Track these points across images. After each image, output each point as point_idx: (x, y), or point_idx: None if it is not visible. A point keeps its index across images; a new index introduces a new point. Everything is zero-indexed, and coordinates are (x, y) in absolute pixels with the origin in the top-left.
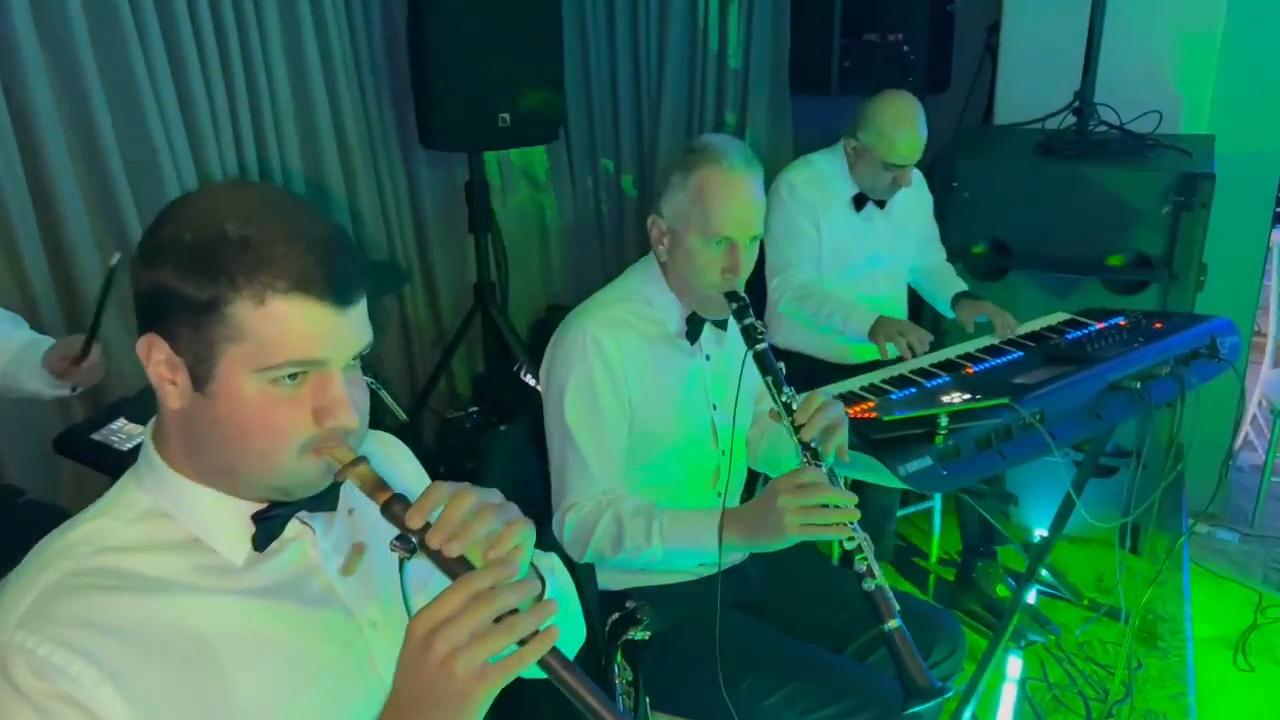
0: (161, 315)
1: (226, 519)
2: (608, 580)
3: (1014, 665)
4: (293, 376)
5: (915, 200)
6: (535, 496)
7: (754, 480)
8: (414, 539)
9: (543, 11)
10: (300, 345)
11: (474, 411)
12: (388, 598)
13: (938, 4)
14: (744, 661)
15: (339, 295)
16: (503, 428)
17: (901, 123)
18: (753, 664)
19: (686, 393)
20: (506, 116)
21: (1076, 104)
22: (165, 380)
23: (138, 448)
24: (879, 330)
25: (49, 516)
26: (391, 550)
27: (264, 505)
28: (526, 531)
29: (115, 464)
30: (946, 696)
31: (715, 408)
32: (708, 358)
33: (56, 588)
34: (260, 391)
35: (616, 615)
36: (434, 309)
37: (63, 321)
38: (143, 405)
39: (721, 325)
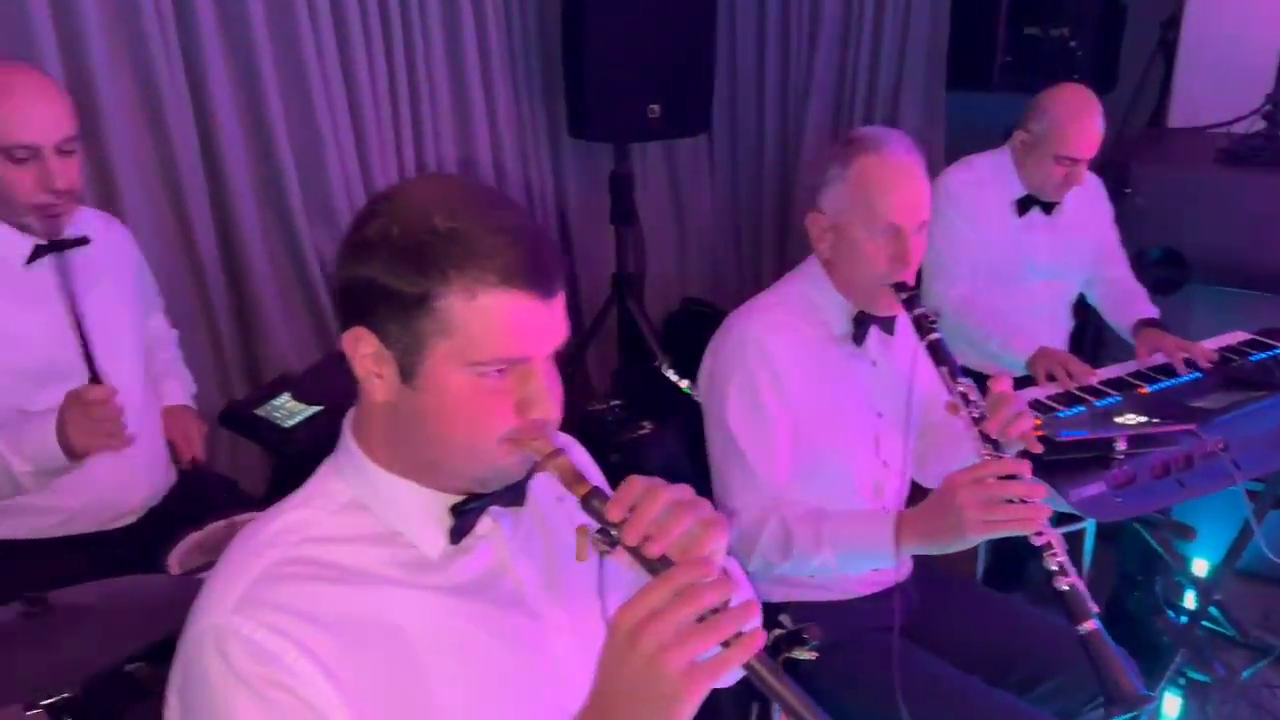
0: (369, 309)
1: (424, 511)
2: (764, 592)
3: (1172, 704)
4: (500, 370)
5: (1090, 208)
6: None
7: (917, 496)
8: (614, 533)
9: (699, 4)
10: (509, 339)
11: (615, 405)
12: (573, 601)
13: None
14: (914, 694)
15: (545, 287)
16: (646, 426)
17: (1078, 112)
18: (923, 696)
19: (850, 398)
20: (656, 108)
21: (1267, 107)
22: (372, 373)
23: (299, 424)
24: (1039, 362)
25: (222, 486)
26: (592, 544)
27: (461, 498)
28: (722, 530)
29: (275, 439)
30: (1153, 703)
31: (880, 416)
32: (874, 363)
33: (267, 575)
34: (467, 383)
35: (780, 632)
36: (574, 299)
37: (231, 308)
38: (309, 384)
39: (888, 328)
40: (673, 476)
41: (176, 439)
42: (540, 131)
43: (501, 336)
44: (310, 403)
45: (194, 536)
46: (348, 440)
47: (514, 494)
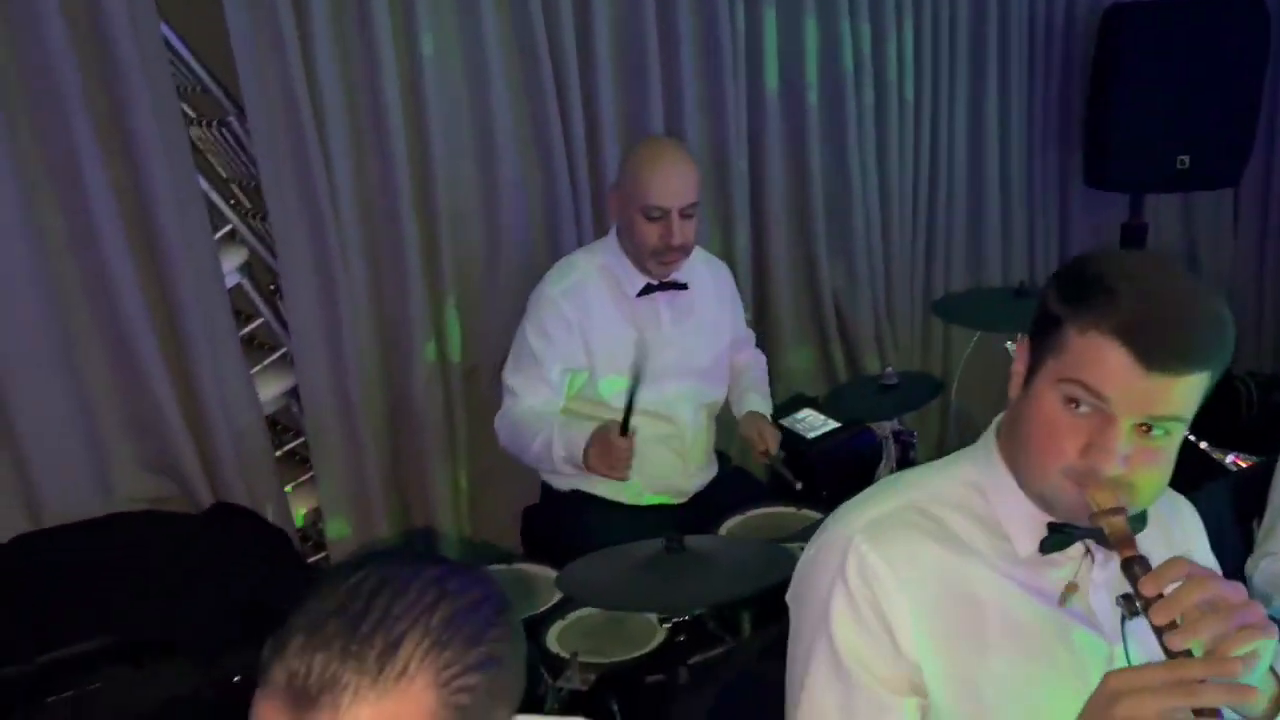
0: (1034, 321)
1: (1025, 515)
2: None
3: None
4: (1076, 404)
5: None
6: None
7: None
8: (1139, 604)
9: (1244, 56)
10: (1096, 375)
11: None
12: (1135, 649)
13: None
14: None
15: (1150, 359)
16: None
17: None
18: None
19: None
20: (1185, 159)
21: None
22: (1017, 374)
23: (820, 436)
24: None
25: (751, 482)
26: (1115, 604)
27: (1060, 522)
28: (1267, 641)
29: (800, 446)
30: None
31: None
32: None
33: (896, 514)
34: (1053, 404)
35: None
36: None
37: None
38: (830, 405)
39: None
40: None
41: (751, 437)
42: (1051, 181)
43: (1091, 369)
44: (831, 418)
45: (735, 519)
46: (990, 431)
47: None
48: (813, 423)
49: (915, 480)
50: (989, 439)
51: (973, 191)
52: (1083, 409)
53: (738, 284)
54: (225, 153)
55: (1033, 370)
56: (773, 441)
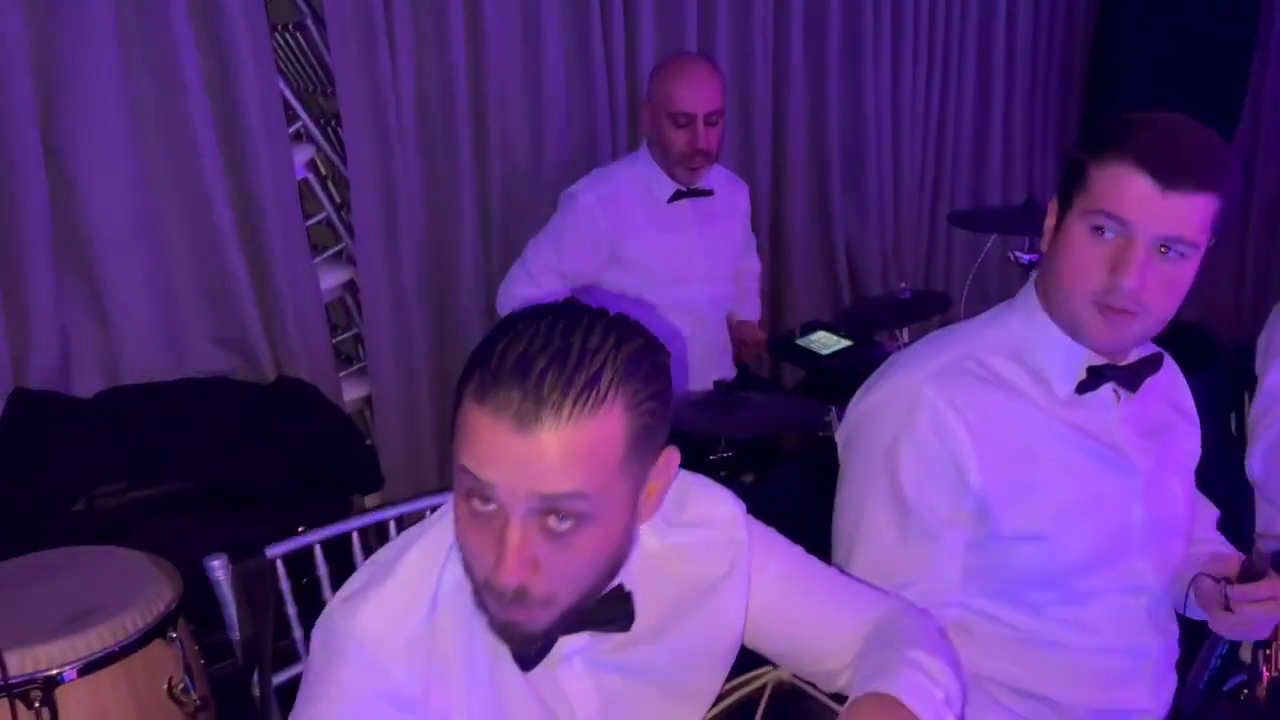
0: (1061, 180)
1: (1065, 359)
2: None
3: None
4: (1102, 231)
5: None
6: None
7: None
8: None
9: (1227, 64)
10: (1115, 200)
11: None
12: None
13: None
14: None
15: (1165, 179)
16: None
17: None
18: None
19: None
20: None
21: None
22: (1048, 229)
23: (834, 353)
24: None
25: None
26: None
27: (1100, 363)
28: None
29: (811, 364)
30: None
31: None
32: None
33: (956, 363)
34: (1081, 236)
35: None
36: None
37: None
38: (842, 325)
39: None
40: None
41: (745, 337)
42: (1051, 143)
43: (1113, 197)
44: (843, 338)
45: None
46: (1029, 283)
47: (1131, 378)
48: (826, 342)
49: (967, 333)
50: (1029, 290)
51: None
52: (1108, 235)
53: (756, 207)
54: (294, 59)
55: (1061, 219)
56: (762, 342)
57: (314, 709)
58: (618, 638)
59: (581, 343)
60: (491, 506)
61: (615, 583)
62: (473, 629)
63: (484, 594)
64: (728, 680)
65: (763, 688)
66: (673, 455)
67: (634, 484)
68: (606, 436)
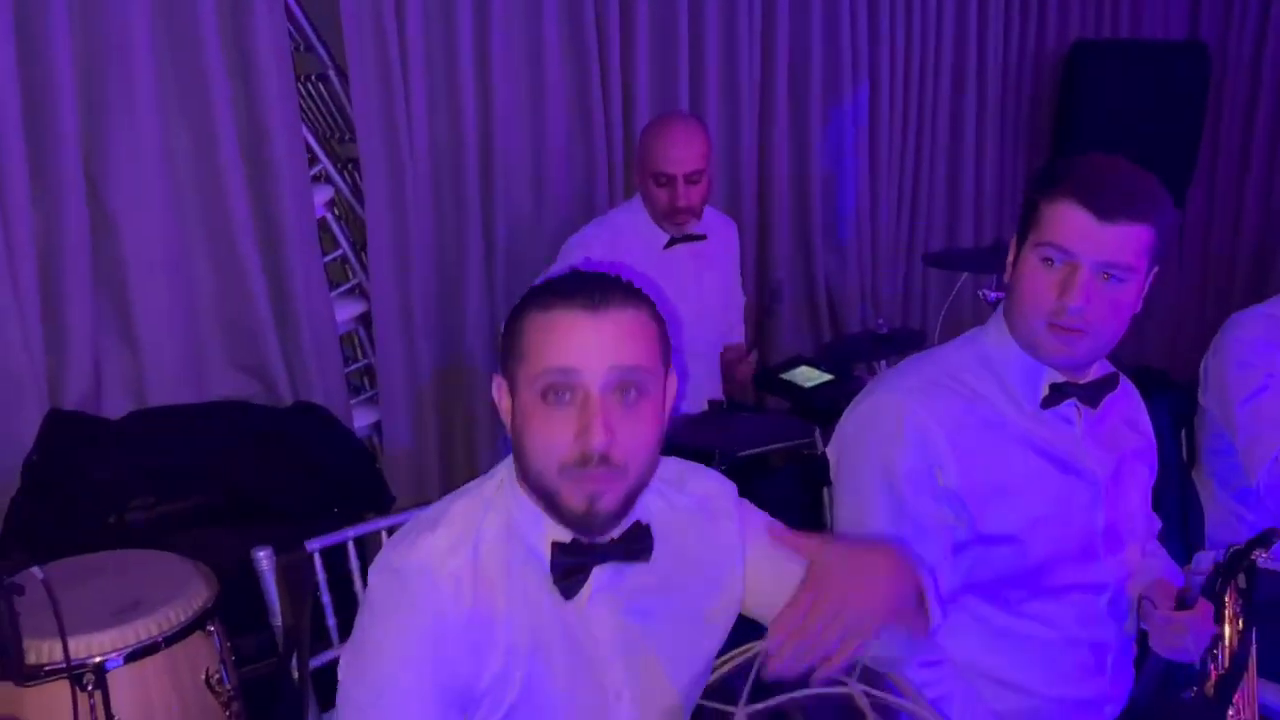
0: (1020, 221)
1: (1029, 377)
2: None
3: None
4: (1051, 262)
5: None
6: None
7: None
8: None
9: (1182, 115)
10: (1060, 233)
11: None
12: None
13: None
14: None
15: (1102, 211)
16: None
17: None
18: None
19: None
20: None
21: None
22: (1009, 263)
23: (815, 387)
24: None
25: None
26: None
27: (1060, 380)
28: None
29: (795, 396)
30: None
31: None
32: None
33: (933, 380)
34: (1034, 266)
35: None
36: None
37: (752, 306)
38: (822, 360)
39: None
40: None
41: (736, 374)
42: (1020, 182)
43: (1058, 229)
44: (824, 371)
45: None
46: (998, 311)
47: (1094, 398)
48: (808, 375)
49: (945, 354)
50: (998, 317)
51: (951, 189)
52: (1056, 263)
53: (743, 247)
54: (316, 107)
55: (1018, 252)
56: (751, 367)
57: (380, 629)
58: (633, 583)
59: (613, 274)
60: (567, 396)
61: (634, 518)
62: (510, 570)
63: (562, 481)
64: (722, 652)
65: (755, 656)
66: (673, 379)
67: (663, 379)
68: (647, 324)
